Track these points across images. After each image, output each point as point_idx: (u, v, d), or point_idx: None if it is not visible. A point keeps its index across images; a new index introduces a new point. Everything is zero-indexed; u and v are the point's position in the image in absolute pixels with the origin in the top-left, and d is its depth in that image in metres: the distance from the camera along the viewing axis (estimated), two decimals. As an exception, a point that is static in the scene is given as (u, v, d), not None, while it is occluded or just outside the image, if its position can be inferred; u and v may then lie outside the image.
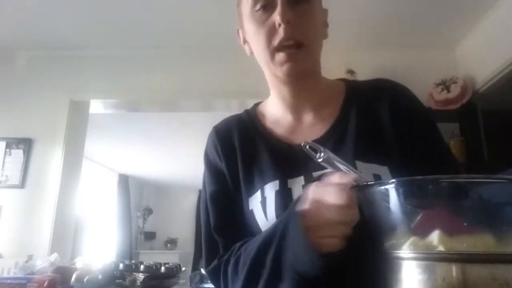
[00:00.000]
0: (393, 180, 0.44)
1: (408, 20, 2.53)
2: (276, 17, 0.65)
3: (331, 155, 0.54)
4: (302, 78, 0.71)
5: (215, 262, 0.69)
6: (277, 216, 0.65)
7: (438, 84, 2.60)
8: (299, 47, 0.67)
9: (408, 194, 0.42)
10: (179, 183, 7.59)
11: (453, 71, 2.67)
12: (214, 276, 0.70)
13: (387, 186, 0.43)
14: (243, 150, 0.75)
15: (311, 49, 0.69)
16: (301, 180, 0.67)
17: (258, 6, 0.68)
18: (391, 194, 0.42)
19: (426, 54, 2.77)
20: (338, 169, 0.53)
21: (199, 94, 2.90)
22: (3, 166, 2.71)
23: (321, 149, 0.54)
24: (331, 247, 0.51)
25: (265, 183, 0.69)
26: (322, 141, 0.69)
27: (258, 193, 0.69)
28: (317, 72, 0.75)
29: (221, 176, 0.76)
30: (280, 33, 0.66)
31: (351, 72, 2.60)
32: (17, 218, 2.63)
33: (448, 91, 2.55)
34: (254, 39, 0.71)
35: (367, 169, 0.64)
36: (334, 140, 0.70)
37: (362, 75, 2.47)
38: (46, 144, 2.76)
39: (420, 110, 0.74)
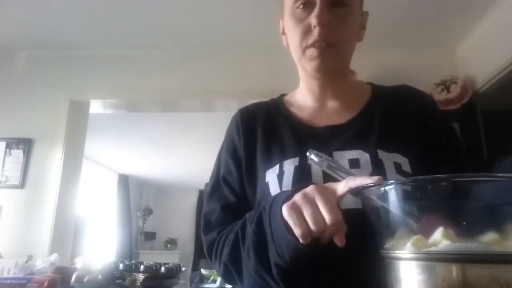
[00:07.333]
0: (392, 181, 0.44)
1: (408, 20, 2.53)
2: (313, 19, 0.68)
3: (334, 163, 0.56)
4: (330, 74, 0.75)
5: (214, 234, 0.72)
6: None
7: (438, 84, 2.60)
8: (329, 46, 0.69)
9: (409, 194, 0.42)
10: (179, 183, 7.58)
11: (453, 71, 2.67)
12: (209, 248, 0.72)
13: (387, 187, 0.43)
14: (265, 128, 0.78)
15: (341, 50, 0.72)
16: None
17: (298, 3, 0.71)
18: (392, 195, 0.42)
19: (426, 54, 2.77)
20: (341, 178, 0.54)
21: (199, 94, 2.89)
22: (3, 166, 2.70)
23: (324, 157, 0.57)
24: (300, 233, 0.50)
25: (285, 158, 0.71)
26: (345, 126, 0.72)
27: (277, 167, 0.71)
28: (345, 70, 0.79)
29: (235, 154, 0.78)
30: (315, 34, 0.69)
31: (351, 72, 2.59)
32: (17, 218, 2.62)
33: (448, 91, 2.55)
34: (290, 34, 0.75)
35: (389, 158, 0.65)
36: (357, 127, 0.72)
37: (362, 75, 2.46)
38: (46, 144, 2.75)
39: (442, 113, 0.79)
